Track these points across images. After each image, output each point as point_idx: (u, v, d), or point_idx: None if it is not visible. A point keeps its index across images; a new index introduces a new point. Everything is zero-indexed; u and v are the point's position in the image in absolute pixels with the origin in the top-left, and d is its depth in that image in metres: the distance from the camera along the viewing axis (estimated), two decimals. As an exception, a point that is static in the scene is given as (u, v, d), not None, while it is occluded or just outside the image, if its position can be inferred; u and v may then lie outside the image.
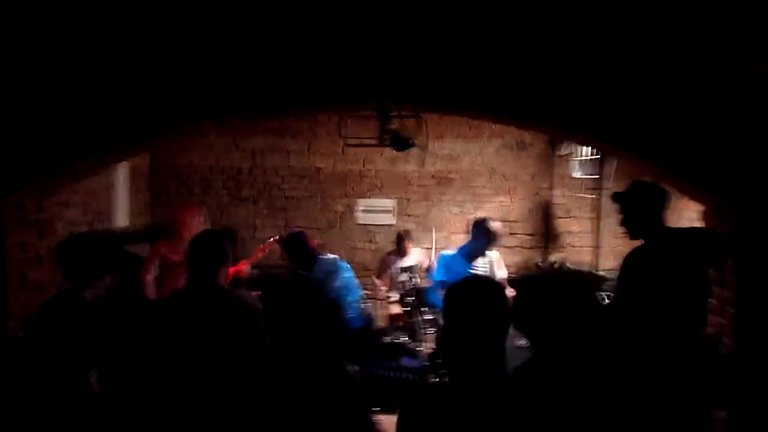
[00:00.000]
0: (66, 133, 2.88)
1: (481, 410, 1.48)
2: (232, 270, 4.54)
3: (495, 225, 4.45)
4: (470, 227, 4.55)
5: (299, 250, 4.46)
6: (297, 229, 4.86)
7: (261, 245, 5.00)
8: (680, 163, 2.87)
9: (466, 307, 1.57)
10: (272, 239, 5.11)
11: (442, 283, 4.32)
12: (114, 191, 5.73)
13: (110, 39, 2.79)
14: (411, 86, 2.76)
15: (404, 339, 4.94)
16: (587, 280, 5.26)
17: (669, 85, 2.78)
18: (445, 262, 4.48)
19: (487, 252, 4.48)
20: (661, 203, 2.86)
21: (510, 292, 4.12)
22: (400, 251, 5.90)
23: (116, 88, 2.83)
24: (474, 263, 4.41)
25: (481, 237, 4.41)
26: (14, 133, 2.91)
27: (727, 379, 2.08)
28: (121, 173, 5.87)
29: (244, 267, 4.66)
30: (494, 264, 4.56)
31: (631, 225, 2.91)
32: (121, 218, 5.87)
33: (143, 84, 2.83)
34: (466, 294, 1.61)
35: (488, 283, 1.72)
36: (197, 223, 4.41)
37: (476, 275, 4.00)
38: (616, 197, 2.97)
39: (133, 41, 2.78)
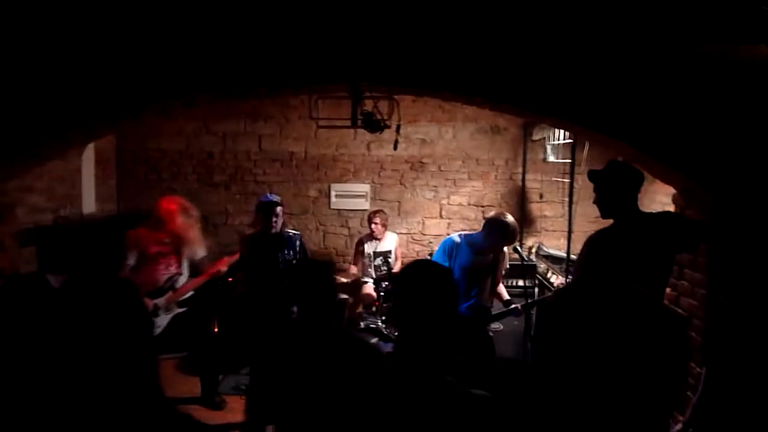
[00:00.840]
0: (26, 113, 2.77)
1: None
2: (208, 271, 4.44)
3: (510, 222, 4.00)
4: (483, 222, 4.19)
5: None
6: (270, 196, 4.80)
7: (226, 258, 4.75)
8: (652, 145, 2.89)
9: (414, 287, 1.60)
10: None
11: None
12: (80, 176, 5.57)
13: (73, 17, 2.68)
14: (383, 66, 2.71)
15: (379, 324, 4.93)
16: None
17: (643, 66, 2.79)
18: (449, 246, 4.12)
19: (493, 251, 4.09)
20: (635, 184, 2.91)
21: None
22: (372, 232, 5.87)
23: (79, 66, 2.72)
24: (479, 256, 4.04)
25: (491, 236, 4.00)
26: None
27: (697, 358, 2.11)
28: (88, 158, 5.69)
29: (223, 265, 4.53)
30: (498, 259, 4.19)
31: (604, 204, 2.95)
32: (88, 204, 5.71)
33: (107, 62, 2.73)
34: (416, 276, 1.64)
35: (438, 270, 1.71)
36: (183, 217, 4.30)
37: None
38: (591, 175, 3.00)
39: (96, 19, 2.68)
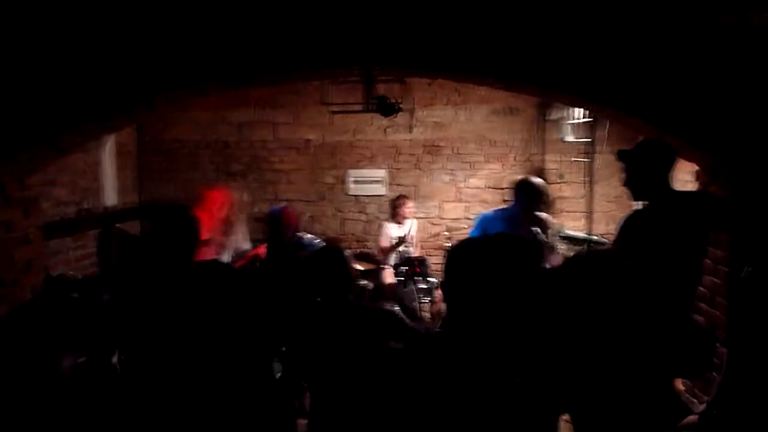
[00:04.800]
0: (44, 105, 2.81)
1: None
2: (251, 253, 4.47)
3: (538, 182, 3.85)
4: (513, 188, 4.04)
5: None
6: (275, 208, 4.53)
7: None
8: (673, 121, 2.82)
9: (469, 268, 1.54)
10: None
11: None
12: (101, 169, 5.66)
13: (86, 9, 2.70)
14: (395, 49, 2.69)
15: (396, 308, 4.94)
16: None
17: (660, 38, 2.71)
18: (484, 223, 3.95)
19: (530, 216, 3.83)
20: (668, 164, 2.76)
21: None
22: (397, 218, 5.87)
23: (92, 57, 2.75)
24: (516, 228, 3.78)
25: (520, 199, 3.81)
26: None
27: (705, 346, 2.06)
28: (108, 151, 5.78)
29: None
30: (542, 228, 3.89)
31: (635, 185, 2.82)
32: (110, 196, 5.81)
33: (120, 52, 2.75)
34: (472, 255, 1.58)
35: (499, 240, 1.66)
36: (225, 204, 4.34)
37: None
38: (621, 155, 2.86)
39: (109, 10, 2.69)
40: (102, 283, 2.66)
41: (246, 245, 4.53)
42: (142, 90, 2.78)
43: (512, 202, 4.01)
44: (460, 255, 1.61)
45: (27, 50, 2.76)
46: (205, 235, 4.19)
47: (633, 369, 1.66)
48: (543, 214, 4.00)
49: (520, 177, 4.11)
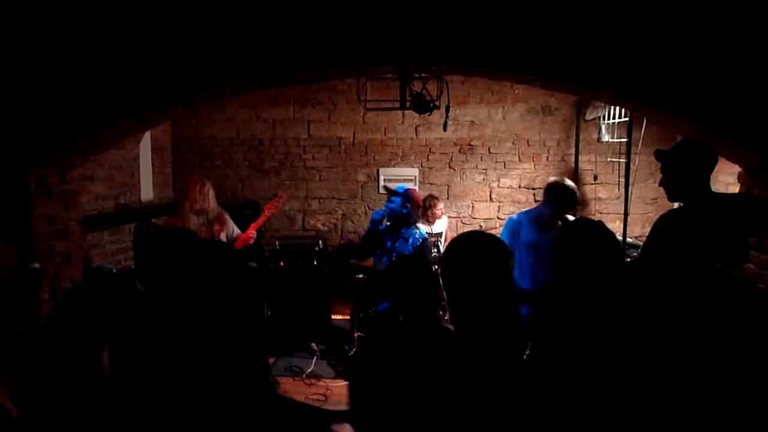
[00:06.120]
0: (84, 102, 2.87)
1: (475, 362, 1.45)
2: (241, 237, 4.56)
3: (572, 188, 3.79)
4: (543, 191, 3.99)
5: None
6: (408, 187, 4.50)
7: (266, 205, 4.95)
8: (717, 120, 2.73)
9: (465, 260, 1.55)
10: (277, 198, 5.05)
11: None
12: (138, 165, 5.76)
13: (129, 8, 2.74)
14: (432, 46, 2.66)
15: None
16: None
17: (704, 36, 2.63)
18: (511, 226, 3.95)
19: (558, 220, 3.80)
20: (708, 165, 2.68)
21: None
22: (426, 217, 5.85)
23: (130, 55, 2.80)
24: (544, 230, 3.79)
25: (553, 203, 3.76)
26: (32, 104, 2.91)
27: None
28: (145, 147, 5.89)
29: (252, 233, 4.64)
30: None
31: (673, 186, 2.74)
32: (146, 191, 5.91)
33: (158, 50, 2.79)
34: (465, 248, 1.58)
35: (490, 239, 1.64)
36: (199, 195, 4.38)
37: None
38: (659, 155, 2.80)
39: (149, 9, 2.73)
40: (138, 275, 2.69)
41: (235, 234, 4.60)
42: (181, 87, 2.82)
43: (541, 204, 3.95)
44: (454, 248, 1.60)
45: (70, 48, 2.82)
46: (185, 227, 4.29)
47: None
48: (571, 217, 3.90)
49: (552, 179, 4.04)
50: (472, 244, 1.59)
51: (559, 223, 3.77)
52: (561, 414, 1.42)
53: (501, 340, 1.49)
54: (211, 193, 4.47)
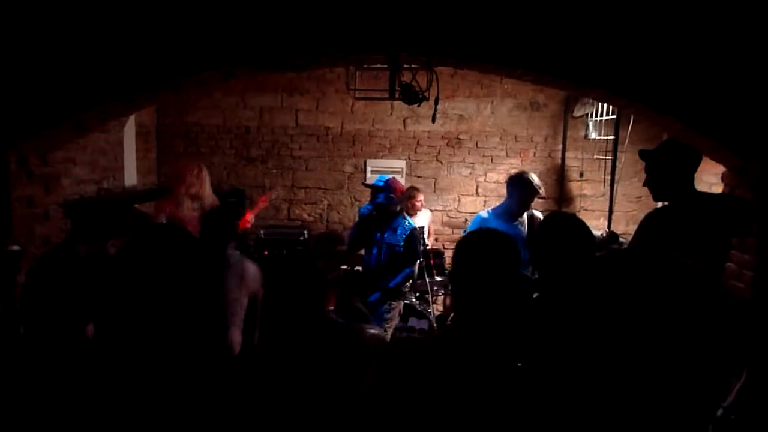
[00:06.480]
0: (68, 82, 2.81)
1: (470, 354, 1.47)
2: (240, 222, 4.54)
3: (532, 178, 3.94)
4: (507, 184, 4.11)
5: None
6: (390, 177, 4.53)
7: (263, 196, 4.97)
8: (704, 120, 2.75)
9: (473, 258, 1.57)
10: (273, 191, 5.10)
11: None
12: (122, 149, 5.68)
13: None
14: (423, 36, 2.64)
15: (413, 300, 4.92)
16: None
17: (690, 36, 2.64)
18: (479, 223, 4.07)
19: (525, 211, 3.99)
20: (692, 164, 2.73)
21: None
22: (407, 210, 5.84)
23: (118, 36, 2.75)
24: (511, 224, 3.89)
25: (517, 193, 3.92)
26: (15, 84, 2.85)
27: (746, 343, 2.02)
28: (129, 132, 5.80)
29: (250, 218, 4.66)
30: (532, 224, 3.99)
31: (657, 185, 2.78)
32: (130, 177, 5.83)
33: (146, 31, 2.74)
34: (474, 246, 1.61)
35: (498, 236, 1.67)
36: (196, 180, 4.35)
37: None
38: (643, 155, 2.84)
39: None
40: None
41: None
42: (168, 70, 2.77)
43: (506, 199, 4.06)
44: (470, 246, 1.61)
45: (54, 27, 2.76)
46: (180, 213, 4.28)
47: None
48: (536, 212, 4.08)
49: (513, 171, 4.15)
50: (486, 243, 1.61)
51: (525, 216, 3.95)
52: (546, 399, 1.44)
53: (498, 334, 1.51)
54: (207, 179, 4.45)
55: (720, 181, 3.36)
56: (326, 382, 1.92)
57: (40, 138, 3.05)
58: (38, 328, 2.41)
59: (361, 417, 1.52)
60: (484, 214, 4.14)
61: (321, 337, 2.04)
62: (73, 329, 2.44)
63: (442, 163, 6.59)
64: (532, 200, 3.99)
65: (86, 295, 2.43)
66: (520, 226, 3.97)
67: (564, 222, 2.32)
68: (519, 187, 3.91)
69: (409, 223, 4.41)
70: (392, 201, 4.25)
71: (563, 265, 2.11)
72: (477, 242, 1.63)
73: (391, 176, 4.57)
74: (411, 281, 4.72)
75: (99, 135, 4.97)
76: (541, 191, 4.03)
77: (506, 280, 1.55)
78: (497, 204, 4.41)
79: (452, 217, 6.64)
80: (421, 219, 5.94)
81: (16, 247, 2.96)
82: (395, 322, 4.43)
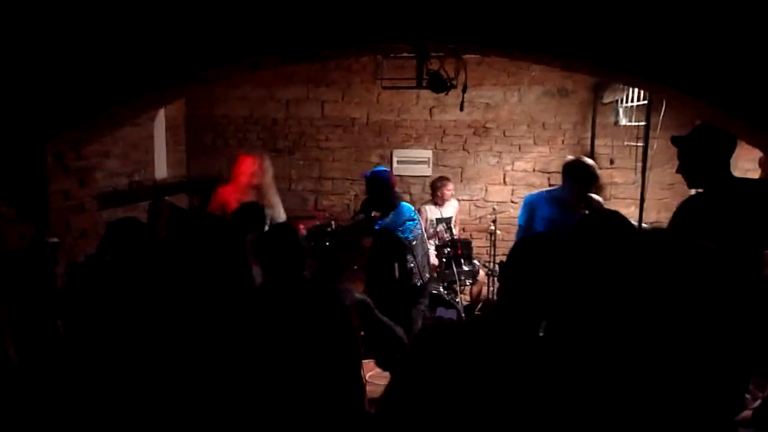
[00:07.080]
0: (101, 77, 2.87)
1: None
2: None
3: (588, 162, 3.70)
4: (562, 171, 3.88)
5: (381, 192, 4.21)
6: (381, 168, 4.51)
7: (320, 213, 4.91)
8: (740, 103, 2.67)
9: (536, 267, 1.50)
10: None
11: (523, 229, 3.84)
12: (152, 143, 5.78)
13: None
14: (450, 23, 2.62)
15: (441, 290, 4.92)
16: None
17: (727, 16, 2.56)
18: (530, 201, 3.88)
19: (581, 201, 3.68)
20: (727, 149, 2.63)
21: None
22: (436, 199, 5.84)
23: (150, 30, 2.79)
24: (564, 210, 3.66)
25: (571, 179, 3.66)
26: (49, 79, 2.91)
27: None
28: (159, 125, 5.91)
29: (302, 229, 4.62)
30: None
31: (692, 172, 2.70)
32: (160, 169, 5.94)
33: (175, 24, 2.78)
34: (540, 254, 1.53)
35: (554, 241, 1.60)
36: (259, 170, 4.38)
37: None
38: (676, 141, 2.76)
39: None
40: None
41: (282, 217, 4.55)
42: (197, 62, 2.81)
43: (561, 184, 3.89)
44: (535, 248, 1.57)
45: (87, 23, 2.81)
46: (235, 203, 4.28)
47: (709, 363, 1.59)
48: (595, 196, 3.83)
49: (569, 157, 3.96)
50: (552, 253, 1.54)
51: (583, 204, 3.68)
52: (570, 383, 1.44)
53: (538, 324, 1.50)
54: (270, 170, 4.49)
55: (757, 166, 3.27)
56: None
57: (75, 132, 3.12)
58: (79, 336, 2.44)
59: (399, 396, 1.53)
60: (534, 194, 3.96)
61: None
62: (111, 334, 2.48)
63: (468, 153, 6.54)
64: (587, 189, 3.73)
65: (121, 302, 2.45)
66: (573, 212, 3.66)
67: (608, 223, 2.22)
68: (573, 175, 3.66)
69: (409, 210, 4.22)
70: (378, 194, 4.18)
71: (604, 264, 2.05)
72: (543, 250, 1.54)
73: (376, 169, 4.48)
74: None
75: (131, 129, 5.07)
76: (594, 182, 3.77)
77: (562, 290, 1.52)
78: (529, 192, 4.25)
79: (479, 207, 6.59)
80: (449, 209, 5.92)
81: (54, 239, 3.03)
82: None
